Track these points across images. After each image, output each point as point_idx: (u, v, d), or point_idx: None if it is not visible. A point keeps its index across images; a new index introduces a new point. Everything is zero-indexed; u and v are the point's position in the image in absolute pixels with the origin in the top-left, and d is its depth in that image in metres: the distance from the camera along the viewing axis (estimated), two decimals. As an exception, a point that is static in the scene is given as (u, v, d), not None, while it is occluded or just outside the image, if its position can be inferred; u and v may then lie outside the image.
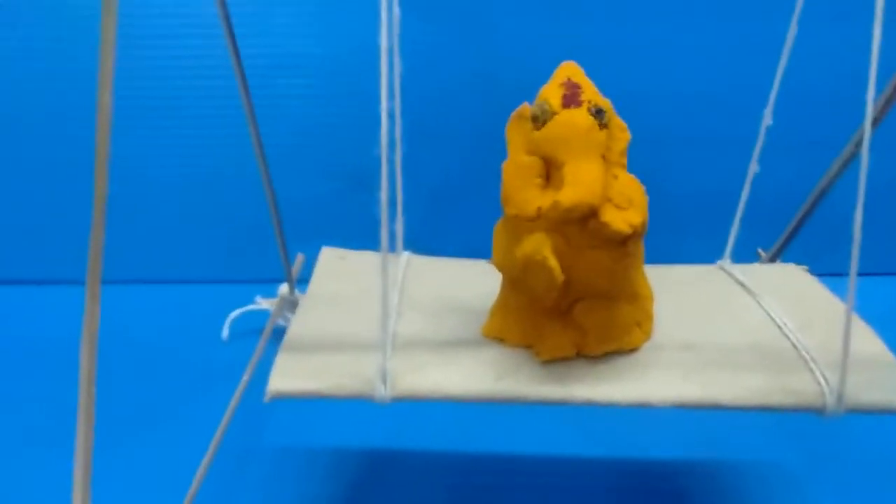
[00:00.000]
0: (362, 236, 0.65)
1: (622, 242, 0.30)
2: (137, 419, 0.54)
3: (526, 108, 0.33)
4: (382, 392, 0.31)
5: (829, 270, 0.72)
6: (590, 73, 0.34)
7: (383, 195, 0.32)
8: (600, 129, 0.31)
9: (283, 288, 0.64)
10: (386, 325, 0.32)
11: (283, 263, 0.63)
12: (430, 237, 0.44)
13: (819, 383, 0.31)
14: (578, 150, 0.30)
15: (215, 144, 0.71)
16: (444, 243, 0.46)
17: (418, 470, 0.46)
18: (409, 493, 0.45)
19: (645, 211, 0.31)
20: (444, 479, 0.46)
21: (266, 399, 0.32)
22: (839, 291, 0.70)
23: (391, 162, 0.34)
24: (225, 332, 0.63)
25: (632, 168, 0.34)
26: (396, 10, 0.36)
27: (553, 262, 0.30)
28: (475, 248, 0.44)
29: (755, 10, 0.60)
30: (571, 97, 0.32)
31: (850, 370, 0.31)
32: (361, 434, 0.49)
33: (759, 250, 0.60)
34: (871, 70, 0.33)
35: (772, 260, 0.57)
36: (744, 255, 0.58)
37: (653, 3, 0.69)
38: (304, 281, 0.63)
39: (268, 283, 0.65)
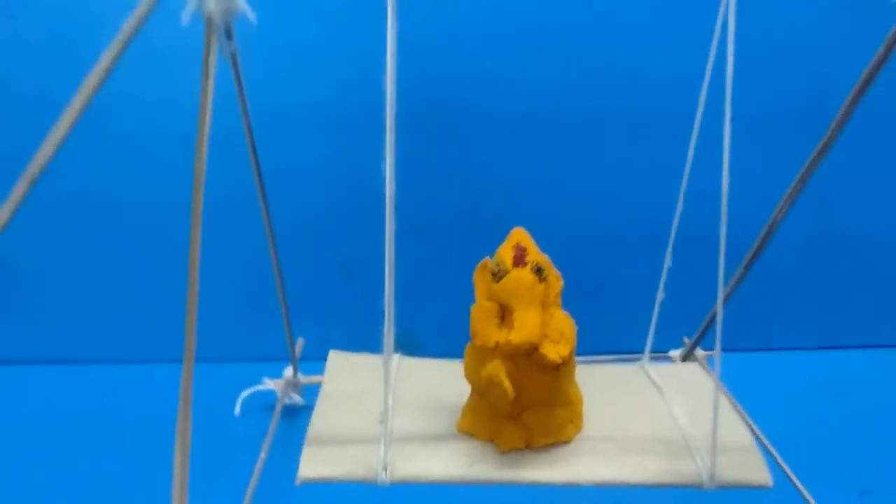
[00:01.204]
0: (349, 321, 0.76)
1: (555, 368, 0.42)
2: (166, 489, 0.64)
3: (487, 261, 0.45)
4: (384, 478, 0.43)
5: (752, 346, 0.86)
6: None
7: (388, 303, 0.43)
8: (540, 282, 0.43)
9: (288, 371, 0.75)
10: (385, 425, 0.43)
11: (290, 349, 0.74)
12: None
13: (697, 466, 0.43)
14: (524, 301, 0.42)
15: (228, 243, 0.82)
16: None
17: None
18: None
19: (573, 341, 0.44)
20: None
21: (297, 483, 0.43)
22: (758, 366, 0.83)
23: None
24: (237, 409, 0.73)
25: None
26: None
27: (507, 383, 0.42)
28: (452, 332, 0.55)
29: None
30: (519, 258, 0.44)
31: (719, 455, 0.43)
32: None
33: (685, 338, 0.73)
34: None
35: (694, 345, 0.70)
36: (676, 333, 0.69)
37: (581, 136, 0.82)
38: (302, 360, 0.75)
39: (266, 362, 0.74)
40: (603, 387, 0.50)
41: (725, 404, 0.50)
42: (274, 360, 0.74)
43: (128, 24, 0.39)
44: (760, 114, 0.76)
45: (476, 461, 0.43)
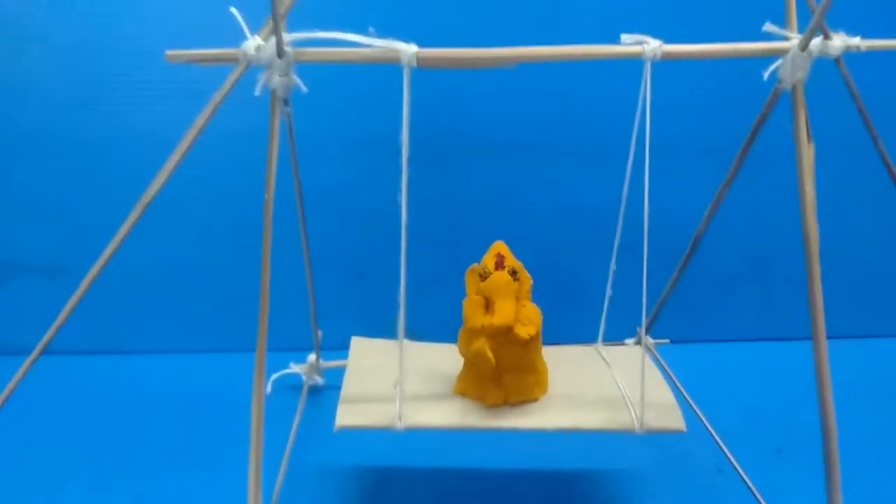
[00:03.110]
0: (360, 318, 0.90)
1: (525, 343, 0.57)
2: (216, 452, 0.76)
3: (476, 266, 0.60)
4: (399, 425, 0.57)
5: (693, 337, 1.01)
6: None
7: (401, 298, 0.57)
8: (514, 281, 0.58)
9: (312, 356, 0.88)
10: (399, 388, 0.58)
11: (314, 337, 0.89)
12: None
13: (632, 418, 0.58)
14: (502, 295, 0.57)
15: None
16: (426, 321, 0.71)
17: (416, 474, 0.73)
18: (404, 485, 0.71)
19: (538, 324, 0.58)
20: (433, 482, 0.72)
21: (335, 429, 0.57)
22: (703, 355, 0.97)
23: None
24: (268, 388, 0.87)
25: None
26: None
27: (490, 355, 0.56)
28: (446, 324, 0.66)
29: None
30: (499, 263, 0.59)
31: (647, 410, 0.58)
32: (379, 452, 0.76)
33: (638, 328, 0.87)
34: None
35: (643, 334, 0.84)
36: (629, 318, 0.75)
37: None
38: (320, 349, 0.89)
39: (289, 351, 0.85)
40: (564, 361, 0.65)
41: (655, 373, 0.65)
42: (295, 350, 0.86)
43: (219, 92, 0.54)
44: (688, 146, 0.92)
45: (467, 413, 0.58)
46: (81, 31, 0.89)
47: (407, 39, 0.51)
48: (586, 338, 0.75)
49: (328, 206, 0.93)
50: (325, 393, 0.88)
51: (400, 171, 0.55)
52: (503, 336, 0.56)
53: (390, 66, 0.51)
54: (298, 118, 0.65)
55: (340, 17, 0.52)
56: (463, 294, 0.60)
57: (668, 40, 0.52)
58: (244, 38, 0.51)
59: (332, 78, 0.78)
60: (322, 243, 0.81)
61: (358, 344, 0.69)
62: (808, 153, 0.51)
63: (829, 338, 0.53)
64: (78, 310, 0.57)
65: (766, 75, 0.53)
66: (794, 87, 0.52)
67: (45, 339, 0.58)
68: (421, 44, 0.51)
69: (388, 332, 0.70)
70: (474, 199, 0.95)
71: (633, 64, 0.53)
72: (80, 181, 0.95)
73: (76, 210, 0.96)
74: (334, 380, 0.87)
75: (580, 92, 0.91)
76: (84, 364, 0.94)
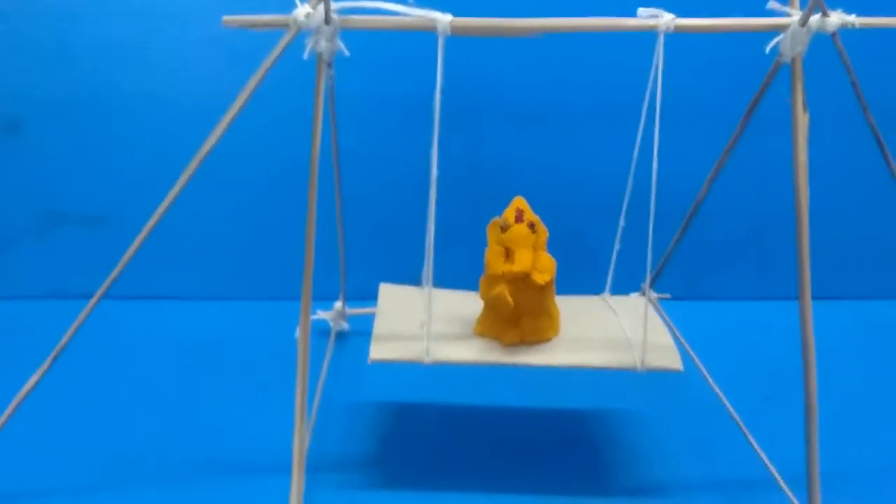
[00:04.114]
0: (382, 269, 0.96)
1: (541, 288, 0.63)
2: (252, 390, 0.82)
3: (497, 219, 0.66)
4: (426, 359, 0.64)
5: (695, 295, 1.07)
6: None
7: (429, 245, 0.63)
8: (532, 233, 0.64)
9: (338, 304, 0.94)
10: (427, 327, 0.64)
11: (342, 286, 0.95)
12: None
13: (634, 357, 0.64)
14: (521, 245, 0.63)
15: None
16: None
17: (436, 411, 0.80)
18: (430, 424, 0.78)
19: (553, 272, 0.64)
20: (452, 417, 0.79)
21: (369, 362, 0.64)
22: (704, 312, 1.04)
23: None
24: (297, 333, 0.94)
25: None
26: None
27: (509, 298, 0.62)
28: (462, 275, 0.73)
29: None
30: (519, 217, 0.64)
31: (647, 351, 0.64)
32: (402, 390, 0.83)
33: (643, 284, 0.93)
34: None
35: (647, 288, 0.90)
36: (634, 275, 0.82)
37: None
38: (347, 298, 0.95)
39: (314, 300, 0.94)
40: (574, 308, 0.71)
41: (656, 320, 0.71)
42: (319, 298, 0.94)
43: (271, 55, 0.59)
44: (694, 114, 0.97)
45: (487, 350, 0.64)
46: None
47: (441, 9, 0.57)
48: (591, 292, 0.81)
49: (352, 164, 0.98)
50: (351, 338, 0.95)
51: (427, 132, 0.60)
52: (521, 282, 0.62)
53: (419, 34, 0.57)
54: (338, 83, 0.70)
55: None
56: (478, 248, 0.66)
57: (678, 14, 0.57)
58: (291, 6, 0.56)
59: (365, 43, 0.83)
60: (346, 198, 0.86)
61: (386, 289, 0.76)
62: (802, 121, 0.57)
63: (815, 298, 0.59)
64: (118, 257, 0.63)
65: (767, 49, 0.58)
66: (793, 60, 0.57)
67: (105, 284, 0.64)
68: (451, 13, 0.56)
69: (407, 282, 0.77)
70: (493, 160, 1.01)
71: (643, 36, 0.58)
72: (117, 136, 1.01)
73: (114, 164, 1.02)
74: (358, 326, 0.94)
75: (592, 61, 0.97)
76: (119, 308, 1.00)
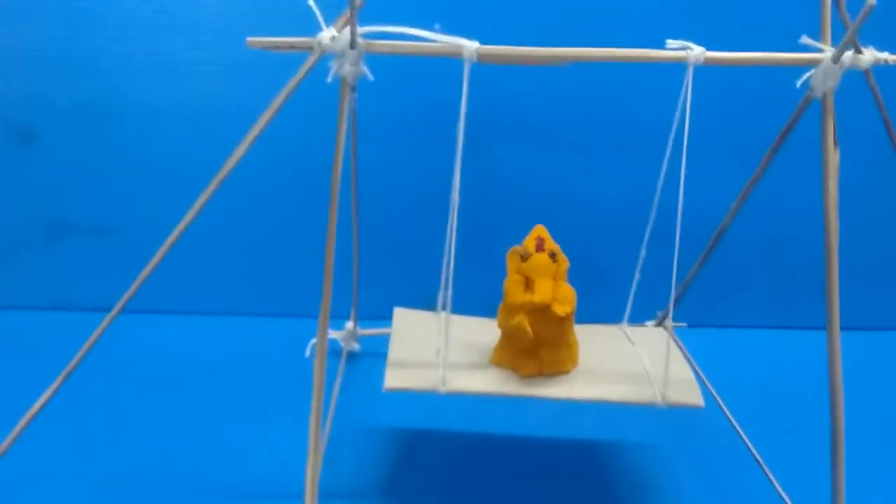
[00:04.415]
0: (394, 290, 0.95)
1: (561, 320, 0.62)
2: (262, 411, 0.81)
3: (517, 248, 0.65)
4: (442, 388, 0.63)
5: (711, 323, 1.06)
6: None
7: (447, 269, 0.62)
8: (553, 263, 0.63)
9: (349, 324, 0.92)
10: (443, 356, 0.63)
11: (353, 307, 0.94)
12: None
13: (654, 392, 0.63)
14: (542, 275, 0.62)
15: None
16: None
17: (449, 438, 0.79)
18: (439, 450, 0.76)
19: (573, 304, 0.63)
20: (465, 446, 0.78)
21: (384, 390, 0.63)
22: (721, 340, 1.02)
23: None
24: (308, 353, 0.92)
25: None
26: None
27: (529, 329, 0.61)
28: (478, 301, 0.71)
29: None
30: (539, 246, 0.64)
31: (668, 385, 0.63)
32: (414, 416, 0.81)
33: (658, 312, 0.92)
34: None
35: (664, 317, 0.89)
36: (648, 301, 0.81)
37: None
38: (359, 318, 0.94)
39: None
40: (592, 338, 0.70)
41: (677, 353, 0.70)
42: (331, 318, 0.94)
43: (295, 78, 0.58)
44: (717, 145, 0.96)
45: (505, 381, 0.63)
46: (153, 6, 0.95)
47: (467, 36, 0.56)
48: (607, 319, 0.79)
49: (370, 181, 0.98)
50: (362, 359, 0.93)
51: (445, 151, 0.60)
52: (541, 313, 0.61)
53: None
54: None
55: (404, 13, 0.56)
56: (495, 274, 0.64)
57: (707, 47, 0.56)
58: (317, 29, 0.55)
59: (385, 62, 0.82)
60: (361, 217, 0.86)
61: (400, 314, 0.74)
62: (833, 157, 0.56)
63: (842, 329, 0.58)
64: (132, 270, 0.62)
65: (799, 84, 0.57)
66: (824, 96, 0.56)
67: (123, 298, 0.63)
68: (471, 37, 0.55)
69: (419, 306, 0.75)
70: (511, 183, 1.00)
71: (669, 65, 0.57)
72: (128, 148, 1.00)
73: (124, 175, 1.01)
74: (370, 347, 0.93)
75: (614, 84, 0.96)
76: (128, 323, 0.99)
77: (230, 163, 0.59)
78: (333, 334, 0.92)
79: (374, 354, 0.79)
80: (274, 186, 1.02)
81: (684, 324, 0.90)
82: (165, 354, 0.93)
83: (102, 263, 1.04)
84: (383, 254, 1.04)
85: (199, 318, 1.02)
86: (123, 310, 0.86)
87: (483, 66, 0.56)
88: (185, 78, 0.98)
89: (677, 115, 0.60)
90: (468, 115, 0.59)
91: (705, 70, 0.57)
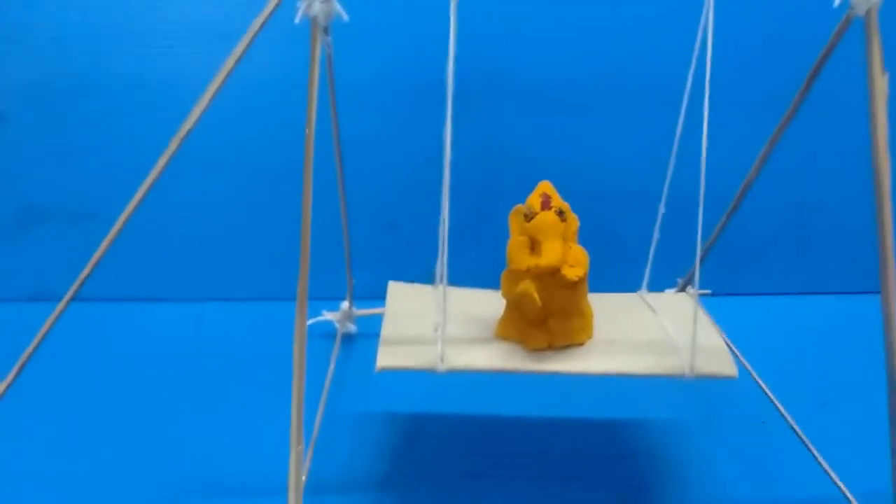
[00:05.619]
0: (392, 267, 0.89)
1: (573, 285, 0.55)
2: (256, 392, 0.76)
3: (520, 207, 0.58)
4: (441, 367, 0.56)
5: (735, 290, 0.99)
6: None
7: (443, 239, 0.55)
8: (561, 222, 0.56)
9: (345, 304, 0.87)
10: (442, 330, 0.56)
11: (348, 286, 0.88)
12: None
13: (682, 362, 0.56)
14: (549, 235, 0.55)
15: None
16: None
17: (449, 420, 0.73)
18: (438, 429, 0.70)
19: (586, 266, 0.56)
20: (466, 428, 0.72)
21: (376, 370, 0.56)
22: (745, 308, 0.96)
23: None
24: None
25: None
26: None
27: (536, 296, 0.54)
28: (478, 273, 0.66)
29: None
30: (545, 204, 0.56)
31: (696, 354, 0.56)
32: (413, 397, 0.75)
33: (679, 280, 0.85)
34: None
35: (685, 284, 0.82)
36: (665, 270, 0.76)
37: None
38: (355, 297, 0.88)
39: (320, 300, 0.83)
40: (609, 307, 0.63)
41: (704, 318, 0.63)
42: (326, 298, 0.85)
43: (255, 22, 0.52)
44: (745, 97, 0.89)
45: (510, 356, 0.56)
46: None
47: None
48: (625, 287, 0.73)
49: (357, 154, 0.91)
50: (358, 340, 0.88)
51: (438, 118, 0.53)
52: (550, 278, 0.54)
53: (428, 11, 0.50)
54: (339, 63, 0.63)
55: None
56: (498, 240, 0.58)
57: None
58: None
59: (369, 21, 0.77)
60: (351, 193, 0.80)
61: (395, 288, 0.68)
62: (881, 83, 0.48)
63: (870, 292, 0.51)
64: (106, 256, 0.57)
65: (837, 2, 0.50)
66: (868, 12, 0.48)
67: (75, 285, 0.57)
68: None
69: (418, 281, 0.69)
70: (512, 144, 0.93)
71: (681, 10, 0.50)
72: (104, 127, 0.94)
73: (101, 157, 0.95)
74: (366, 328, 0.86)
75: (624, 33, 0.88)
76: (109, 311, 0.94)
77: (187, 124, 0.53)
78: (328, 315, 0.87)
79: (372, 335, 0.73)
80: (256, 162, 0.96)
81: (709, 291, 0.83)
82: (143, 344, 0.88)
83: (81, 251, 0.97)
84: (380, 228, 0.98)
85: (180, 305, 0.96)
86: (100, 297, 0.81)
87: (479, 19, 0.49)
88: (157, 50, 0.92)
89: (697, 44, 0.53)
90: (463, 71, 0.53)
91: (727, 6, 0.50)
